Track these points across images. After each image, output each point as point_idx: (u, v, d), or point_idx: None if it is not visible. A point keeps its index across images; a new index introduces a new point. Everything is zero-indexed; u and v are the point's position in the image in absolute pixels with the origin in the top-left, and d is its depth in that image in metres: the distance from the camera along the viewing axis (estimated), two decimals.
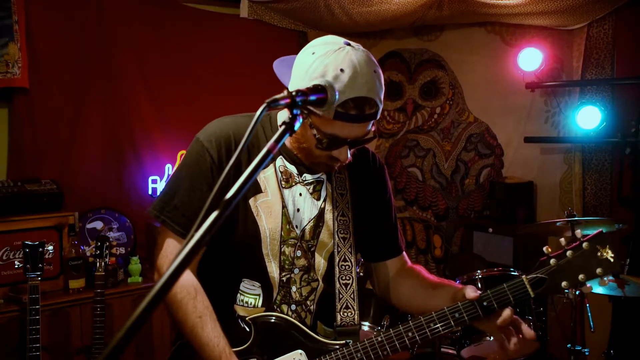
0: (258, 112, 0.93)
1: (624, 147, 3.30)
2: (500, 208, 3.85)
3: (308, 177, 1.47)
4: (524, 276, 1.30)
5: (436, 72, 4.34)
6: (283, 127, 0.96)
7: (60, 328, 2.78)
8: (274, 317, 1.42)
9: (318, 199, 1.48)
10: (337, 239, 1.47)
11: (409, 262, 1.66)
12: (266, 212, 1.42)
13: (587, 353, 2.82)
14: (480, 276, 2.78)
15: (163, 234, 1.43)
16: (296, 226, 1.45)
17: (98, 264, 2.69)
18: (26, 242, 2.46)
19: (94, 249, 2.81)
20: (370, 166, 1.59)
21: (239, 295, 1.44)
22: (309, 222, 1.46)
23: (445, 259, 4.29)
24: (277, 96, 1.02)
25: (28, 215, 2.81)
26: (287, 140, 1.42)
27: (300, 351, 1.40)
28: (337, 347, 1.40)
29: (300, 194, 1.46)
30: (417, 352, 2.72)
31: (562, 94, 3.71)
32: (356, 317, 1.47)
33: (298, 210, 1.45)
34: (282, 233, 1.43)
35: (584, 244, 1.26)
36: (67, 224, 2.92)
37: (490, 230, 3.78)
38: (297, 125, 0.98)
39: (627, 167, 3.38)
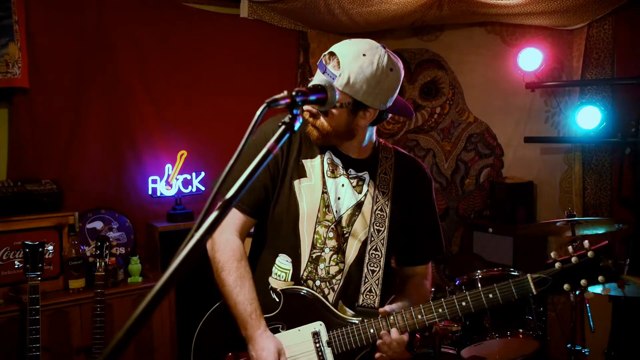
0: (258, 112, 0.94)
1: (624, 147, 3.30)
2: (500, 208, 3.85)
3: (352, 172, 1.63)
4: (528, 275, 1.41)
5: (436, 72, 4.34)
6: (283, 127, 0.97)
7: (60, 328, 2.78)
8: (301, 291, 1.58)
9: (359, 192, 1.63)
10: (372, 229, 1.61)
11: (427, 277, 1.78)
12: (307, 193, 1.59)
13: (587, 353, 2.82)
14: (480, 276, 2.79)
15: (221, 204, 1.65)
16: (336, 211, 1.60)
17: (98, 264, 2.69)
18: (26, 242, 2.46)
19: (94, 249, 2.81)
20: (417, 178, 1.72)
21: (273, 268, 1.61)
22: (347, 210, 1.61)
23: (445, 259, 4.29)
24: (277, 96, 1.04)
25: (28, 215, 2.81)
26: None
27: (320, 322, 1.55)
28: (354, 322, 1.54)
29: (343, 185, 1.62)
30: (417, 352, 2.72)
31: (562, 94, 3.71)
32: (377, 301, 1.59)
33: (339, 198, 1.61)
34: (319, 214, 1.59)
35: (589, 253, 1.36)
36: (67, 224, 2.91)
37: (490, 230, 3.78)
38: (297, 126, 0.99)
39: (627, 167, 3.38)
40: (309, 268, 1.58)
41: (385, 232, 1.61)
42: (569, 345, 2.77)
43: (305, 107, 1.47)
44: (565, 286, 1.38)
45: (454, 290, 2.84)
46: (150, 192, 3.41)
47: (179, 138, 3.57)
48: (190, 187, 3.49)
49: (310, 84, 1.26)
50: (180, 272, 0.76)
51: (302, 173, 1.60)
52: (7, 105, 3.07)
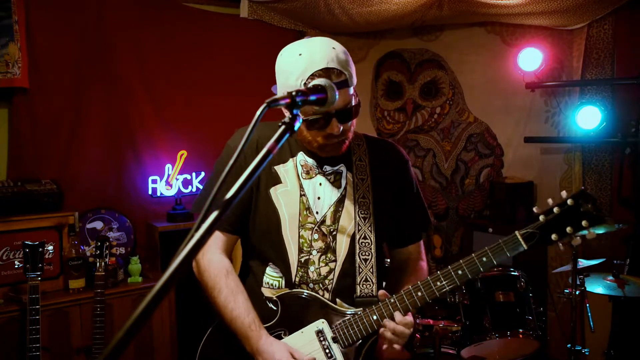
0: (258, 112, 0.94)
1: (624, 147, 3.30)
2: (500, 208, 3.85)
3: (328, 168, 1.61)
4: (516, 232, 1.42)
5: (436, 72, 4.34)
6: (283, 127, 0.97)
7: (60, 328, 2.78)
8: (297, 293, 1.55)
9: (339, 187, 1.60)
10: (357, 218, 1.59)
11: (422, 258, 1.77)
12: (285, 200, 1.57)
13: (587, 353, 2.82)
14: (480, 276, 2.78)
15: None
16: (317, 212, 1.57)
17: (98, 264, 2.69)
18: (26, 242, 2.46)
19: (94, 249, 2.81)
20: (392, 158, 1.71)
21: (264, 278, 1.59)
22: (330, 208, 1.58)
23: (445, 259, 4.29)
24: (277, 96, 1.03)
25: (28, 215, 2.81)
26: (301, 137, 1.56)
27: (322, 320, 1.53)
28: (356, 313, 1.53)
29: (321, 184, 1.59)
30: (417, 352, 2.72)
31: (562, 94, 3.71)
32: (374, 288, 1.57)
33: (319, 198, 1.58)
34: (300, 218, 1.56)
35: (569, 201, 1.40)
36: (67, 224, 2.91)
37: (490, 230, 3.78)
38: (297, 125, 0.99)
39: (627, 167, 3.38)
40: (300, 272, 1.56)
41: (371, 218, 1.59)
42: (569, 345, 2.78)
43: (342, 126, 1.44)
44: (553, 236, 1.39)
45: (454, 290, 2.84)
46: (150, 192, 3.42)
47: (179, 138, 3.57)
48: (190, 187, 3.50)
49: (310, 84, 1.24)
50: (180, 272, 0.76)
51: (276, 180, 1.58)
52: (7, 105, 3.07)
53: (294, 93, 1.05)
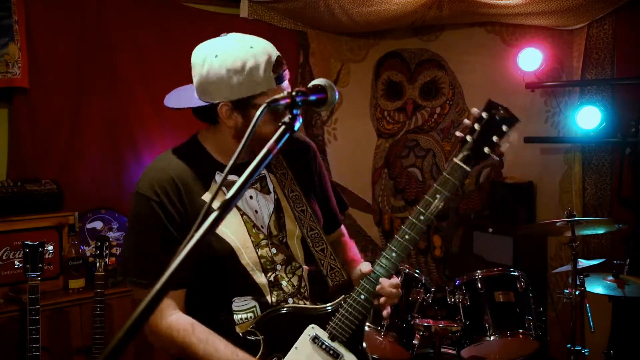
0: (258, 112, 0.94)
1: (624, 147, 3.30)
2: (500, 208, 3.85)
3: None
4: (454, 159, 1.48)
5: (436, 72, 4.34)
6: (283, 127, 0.97)
7: (60, 328, 2.78)
8: (272, 312, 1.46)
9: (269, 193, 1.54)
10: (296, 213, 1.54)
11: (345, 234, 1.83)
12: (229, 227, 1.45)
13: (587, 353, 2.82)
14: (480, 276, 2.78)
15: (137, 295, 1.48)
16: (261, 226, 1.50)
17: (98, 264, 2.69)
18: (26, 242, 2.45)
19: (94, 249, 2.81)
20: (301, 147, 1.68)
21: (235, 316, 1.46)
22: (270, 216, 1.52)
23: (445, 259, 4.29)
24: (277, 96, 1.03)
25: (28, 215, 2.80)
26: (223, 154, 1.50)
27: (311, 325, 1.46)
28: (340, 303, 1.47)
29: (251, 197, 1.51)
30: (417, 352, 2.73)
31: (562, 94, 3.71)
32: (343, 272, 1.56)
33: (256, 212, 1.50)
34: (252, 238, 1.47)
35: (483, 114, 1.45)
36: (67, 224, 2.91)
37: (490, 230, 3.78)
38: (297, 126, 0.98)
39: (627, 167, 3.38)
40: (275, 292, 1.47)
41: (308, 209, 1.55)
42: (569, 345, 2.78)
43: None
44: (486, 150, 1.44)
45: (454, 291, 2.85)
46: None
47: (179, 138, 3.55)
48: None
49: (310, 84, 1.24)
50: (179, 272, 0.76)
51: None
52: (7, 105, 3.07)
53: (294, 93, 1.04)
